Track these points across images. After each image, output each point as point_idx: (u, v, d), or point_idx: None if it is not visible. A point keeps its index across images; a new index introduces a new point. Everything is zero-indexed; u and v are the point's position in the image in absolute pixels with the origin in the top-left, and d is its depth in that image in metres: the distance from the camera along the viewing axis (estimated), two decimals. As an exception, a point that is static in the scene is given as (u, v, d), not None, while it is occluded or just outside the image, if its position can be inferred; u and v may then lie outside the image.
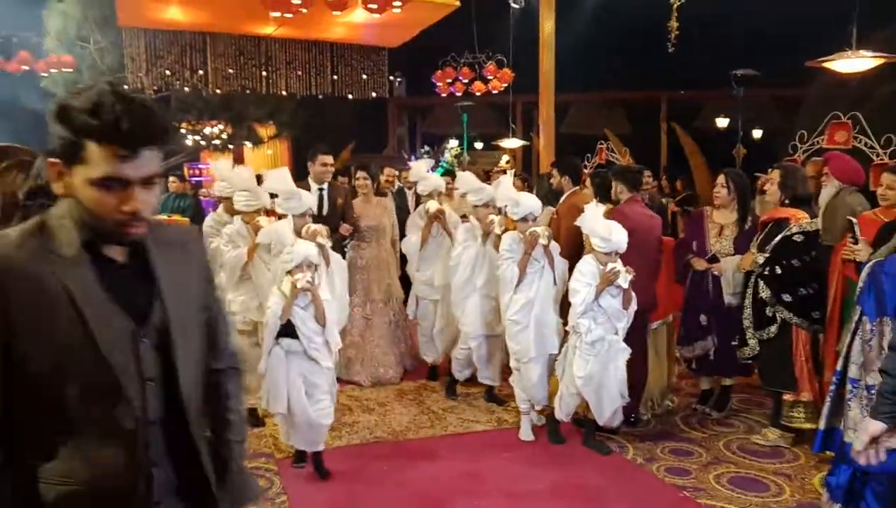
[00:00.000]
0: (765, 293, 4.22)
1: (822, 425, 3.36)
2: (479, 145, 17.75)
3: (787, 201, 4.35)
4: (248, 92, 11.90)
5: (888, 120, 7.68)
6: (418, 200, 6.50)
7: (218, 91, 11.75)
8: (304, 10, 8.81)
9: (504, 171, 11.65)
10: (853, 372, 3.21)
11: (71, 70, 11.50)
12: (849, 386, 3.22)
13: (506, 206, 4.66)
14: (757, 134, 15.23)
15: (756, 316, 4.28)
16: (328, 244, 4.37)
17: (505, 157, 15.52)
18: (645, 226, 4.43)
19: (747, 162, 10.40)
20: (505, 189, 4.68)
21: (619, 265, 3.99)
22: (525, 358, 4.41)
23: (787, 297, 4.19)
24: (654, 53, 10.19)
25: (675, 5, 9.16)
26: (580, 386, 4.06)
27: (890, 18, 7.83)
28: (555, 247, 4.50)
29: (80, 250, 1.36)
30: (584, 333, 4.00)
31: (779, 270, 4.18)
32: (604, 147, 11.19)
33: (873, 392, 3.08)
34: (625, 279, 3.93)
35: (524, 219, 4.46)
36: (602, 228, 3.99)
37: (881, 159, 6.97)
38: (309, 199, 4.54)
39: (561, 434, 4.46)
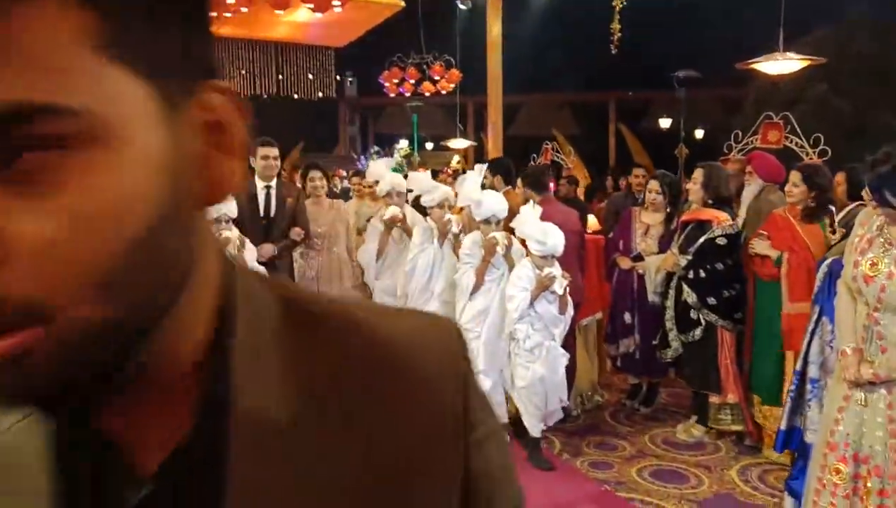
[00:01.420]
0: (690, 297, 4.22)
1: (783, 425, 3.36)
2: (429, 146, 17.77)
3: (710, 201, 4.38)
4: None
5: (818, 120, 7.90)
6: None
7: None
8: (244, 10, 8.72)
9: (456, 172, 11.70)
10: (813, 372, 3.22)
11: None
12: (808, 387, 3.24)
13: (468, 207, 4.37)
14: (699, 134, 15.55)
15: (680, 319, 4.30)
16: (249, 256, 3.92)
17: (456, 157, 15.56)
18: (559, 221, 4.24)
19: (690, 161, 10.60)
20: (468, 187, 4.35)
21: (555, 270, 3.86)
22: (476, 369, 4.29)
23: (711, 300, 4.20)
24: (601, 55, 10.31)
25: (617, 8, 9.29)
26: (523, 396, 3.96)
27: (817, 22, 8.07)
28: (519, 252, 4.21)
29: None
30: (522, 339, 3.91)
31: (703, 274, 4.19)
32: (549, 147, 11.28)
33: None
34: (560, 285, 3.83)
35: (487, 222, 4.16)
36: (537, 231, 3.85)
37: (810, 158, 7.15)
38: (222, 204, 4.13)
39: (544, 458, 4.09)
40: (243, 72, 11.28)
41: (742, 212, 4.55)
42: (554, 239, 3.83)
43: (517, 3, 11.76)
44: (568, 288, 3.91)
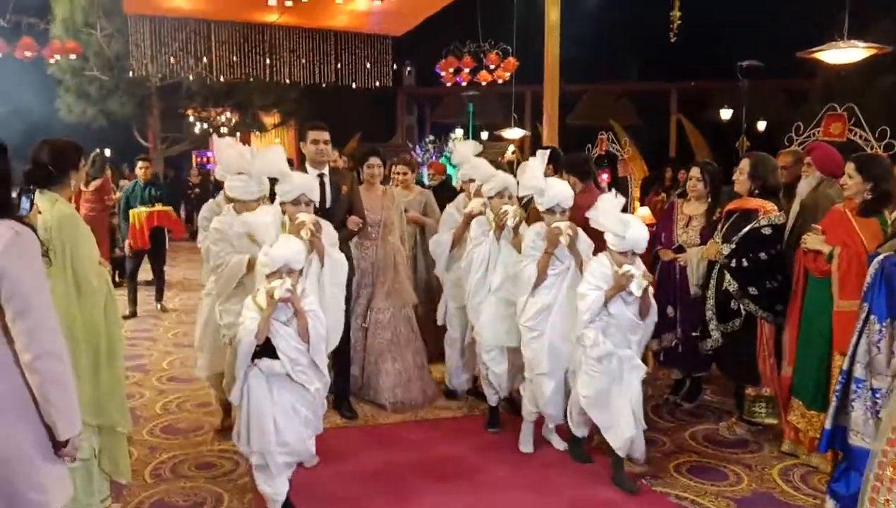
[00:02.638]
0: (731, 286, 4.17)
1: (827, 424, 3.26)
2: (484, 135, 17.75)
3: (756, 191, 4.30)
4: (251, 80, 11.97)
5: (886, 112, 7.57)
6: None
7: (222, 79, 11.83)
8: (305, -1, 8.89)
9: (510, 163, 11.65)
10: (858, 371, 3.13)
11: (76, 57, 11.63)
12: (853, 387, 3.15)
13: (531, 196, 4.04)
14: (761, 126, 15.09)
15: (720, 309, 4.23)
16: (327, 240, 3.60)
17: (511, 148, 15.50)
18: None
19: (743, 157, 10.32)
20: (531, 174, 3.98)
21: (634, 268, 3.43)
22: (537, 369, 3.88)
23: (753, 290, 4.13)
24: (661, 44, 10.11)
25: (678, -5, 9.09)
26: (585, 407, 3.61)
27: (888, 10, 7.72)
28: (586, 244, 3.89)
29: None
30: (590, 346, 3.50)
31: (746, 263, 4.13)
32: (605, 137, 11.15)
33: (878, 395, 3.07)
34: (638, 285, 3.36)
35: (551, 211, 3.85)
36: (615, 222, 3.47)
37: (875, 151, 6.88)
38: (304, 183, 3.58)
39: (584, 451, 3.94)
40: (303, 61, 11.51)
41: (796, 205, 4.43)
42: (635, 232, 3.44)
43: (575, -8, 11.59)
44: (651, 290, 3.49)
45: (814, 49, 6.20)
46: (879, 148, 6.81)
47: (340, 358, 4.55)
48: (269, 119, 16.07)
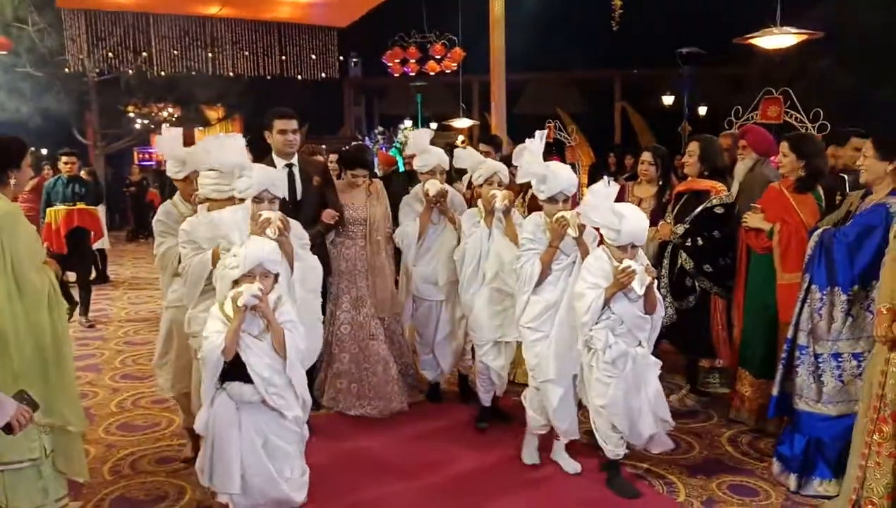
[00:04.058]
0: (688, 264, 4.32)
1: (775, 391, 3.47)
2: (434, 125, 17.79)
3: (706, 173, 4.45)
4: (193, 73, 11.73)
5: (819, 95, 7.90)
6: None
7: (163, 73, 11.56)
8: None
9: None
10: (802, 339, 3.32)
11: (5, 52, 11.21)
12: (797, 353, 3.34)
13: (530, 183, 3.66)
14: (702, 111, 15.51)
15: (674, 286, 4.39)
16: (296, 240, 3.24)
17: (460, 137, 15.58)
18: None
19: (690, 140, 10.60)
20: (529, 159, 3.57)
21: (635, 263, 3.11)
22: (542, 376, 3.49)
23: (707, 268, 4.30)
24: (605, 33, 10.27)
25: (619, -17, 9.26)
26: (607, 416, 3.25)
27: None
28: (591, 235, 3.55)
29: None
30: (602, 349, 3.17)
31: (700, 241, 4.29)
32: (552, 125, 11.32)
33: (821, 360, 3.25)
34: (641, 282, 3.05)
35: (552, 200, 3.47)
36: (607, 216, 3.14)
37: (808, 131, 7.17)
38: (267, 176, 3.17)
39: (628, 484, 3.43)
40: (247, 53, 11.33)
41: (735, 186, 4.60)
42: (632, 224, 3.12)
43: (520, -19, 11.71)
44: (654, 285, 3.19)
45: (749, 35, 6.42)
46: (813, 129, 7.11)
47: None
48: (213, 113, 15.79)
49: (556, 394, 3.47)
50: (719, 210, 4.23)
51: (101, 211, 8.35)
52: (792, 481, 3.36)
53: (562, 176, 3.46)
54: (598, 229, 3.40)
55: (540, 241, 3.49)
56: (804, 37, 6.37)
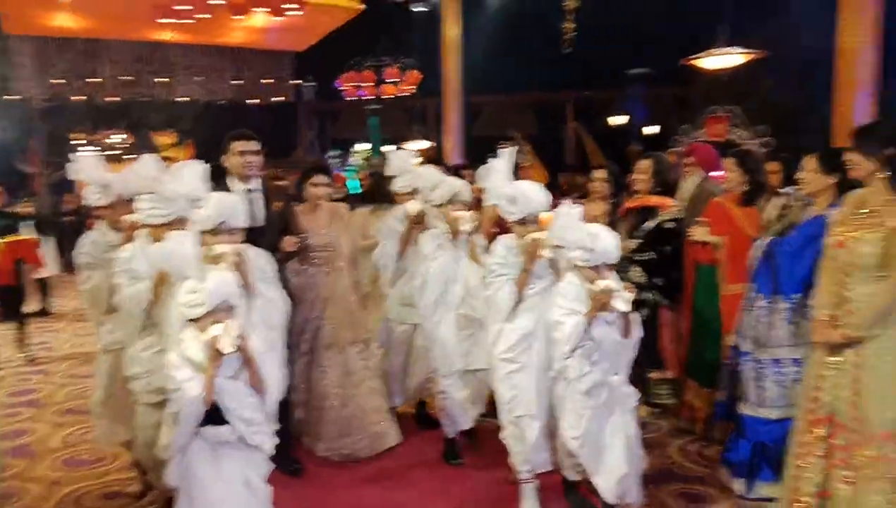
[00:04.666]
0: (641, 278, 4.40)
1: (721, 397, 3.58)
2: (387, 148, 17.84)
3: (658, 189, 4.55)
4: (145, 99, 11.61)
5: (763, 113, 8.17)
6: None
7: (114, 99, 11.42)
8: (203, 16, 8.70)
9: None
10: (746, 346, 3.43)
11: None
12: (741, 360, 3.44)
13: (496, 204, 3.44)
14: (650, 130, 15.86)
15: (626, 301, 4.46)
16: (257, 274, 3.04)
17: (418, 159, 15.65)
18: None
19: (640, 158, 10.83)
20: (496, 178, 3.39)
21: (611, 281, 2.96)
22: (519, 410, 3.26)
23: (659, 281, 4.39)
24: (557, 56, 10.45)
25: (570, 7, 9.48)
26: (576, 449, 3.05)
27: (763, 18, 8.34)
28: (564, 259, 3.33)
29: None
30: (576, 378, 2.98)
31: (653, 255, 4.38)
32: (507, 147, 11.45)
33: (763, 366, 3.35)
34: (624, 300, 2.89)
35: (523, 222, 3.29)
36: (582, 236, 2.99)
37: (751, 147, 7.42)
38: (226, 207, 2.94)
39: (586, 500, 3.32)
40: (200, 78, 11.28)
41: (680, 201, 4.72)
42: (605, 243, 2.97)
43: (474, 6, 11.89)
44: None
45: (694, 56, 6.65)
46: (757, 145, 7.34)
47: (280, 406, 3.54)
48: (165, 139, 15.59)
49: (534, 430, 3.25)
50: (670, 224, 4.34)
51: (47, 241, 8.11)
52: (740, 486, 3.43)
53: (533, 196, 3.28)
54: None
55: (512, 266, 3.29)
56: (748, 57, 6.62)
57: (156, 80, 10.85)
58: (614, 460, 3.00)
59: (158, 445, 2.70)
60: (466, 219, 3.73)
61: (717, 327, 3.93)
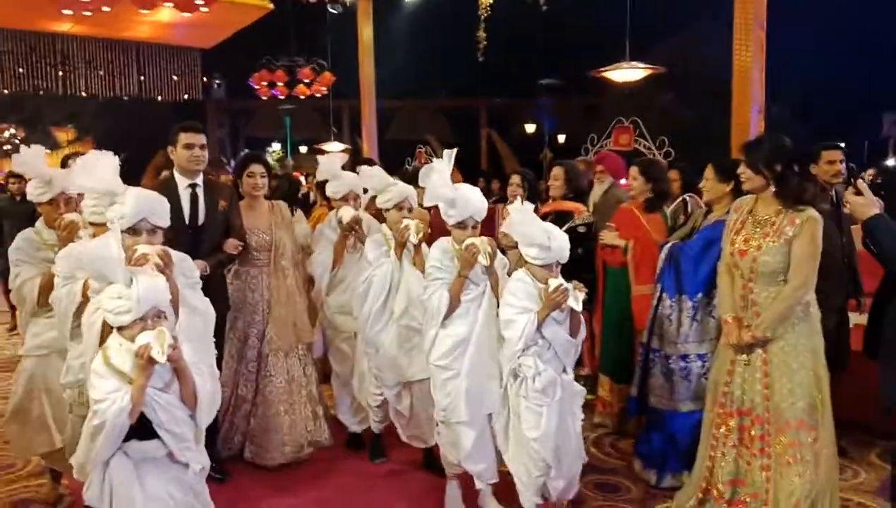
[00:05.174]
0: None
1: (633, 392, 3.75)
2: (303, 149, 17.61)
3: (570, 195, 4.74)
4: (41, 92, 10.99)
5: (665, 124, 8.61)
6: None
7: (6, 91, 10.75)
8: (106, 9, 8.33)
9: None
10: (655, 343, 3.63)
11: None
12: (651, 356, 3.64)
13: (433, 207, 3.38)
14: (562, 138, 16.41)
15: (543, 303, 4.62)
16: (184, 280, 2.83)
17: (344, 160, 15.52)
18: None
19: (554, 165, 11.17)
20: (436, 181, 3.27)
21: (561, 279, 2.97)
22: (454, 417, 3.20)
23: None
24: (471, 63, 10.63)
25: (483, 17, 9.67)
26: (537, 450, 2.94)
27: (663, 36, 8.81)
28: (502, 264, 3.40)
29: None
30: (532, 377, 2.94)
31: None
32: (423, 151, 11.57)
33: (671, 361, 3.57)
34: (577, 298, 2.91)
35: (462, 225, 3.24)
36: (539, 233, 2.97)
37: (654, 157, 7.80)
38: (146, 202, 2.76)
39: None
40: (101, 72, 10.77)
41: (590, 207, 4.94)
42: (560, 241, 2.99)
43: (388, 8, 11.93)
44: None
45: (602, 69, 6.95)
46: (659, 155, 7.73)
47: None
48: (63, 135, 14.81)
49: (469, 437, 3.18)
50: (582, 229, 4.53)
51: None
52: (651, 476, 3.64)
53: (472, 200, 3.23)
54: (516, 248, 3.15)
55: (447, 270, 3.22)
56: (649, 71, 6.97)
57: (56, 72, 10.27)
58: (568, 460, 3.01)
59: (74, 462, 2.48)
60: (414, 229, 3.59)
61: (629, 326, 4.12)
